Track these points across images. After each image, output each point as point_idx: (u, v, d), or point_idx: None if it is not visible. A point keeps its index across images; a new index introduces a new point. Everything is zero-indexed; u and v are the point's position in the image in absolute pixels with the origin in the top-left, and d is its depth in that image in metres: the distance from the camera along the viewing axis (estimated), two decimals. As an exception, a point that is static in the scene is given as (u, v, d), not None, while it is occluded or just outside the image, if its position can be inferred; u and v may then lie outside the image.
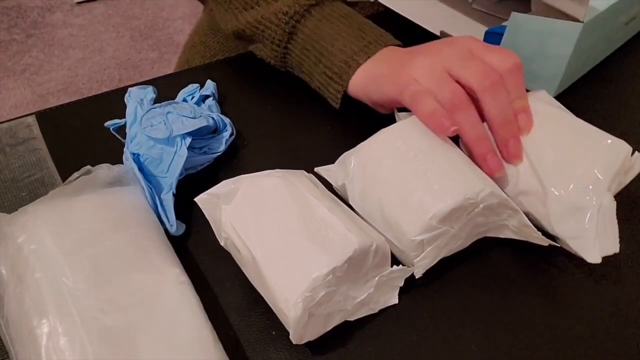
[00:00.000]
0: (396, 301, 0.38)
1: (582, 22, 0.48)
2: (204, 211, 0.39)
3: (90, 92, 1.68)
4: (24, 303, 0.33)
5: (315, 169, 0.44)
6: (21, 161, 0.48)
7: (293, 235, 0.35)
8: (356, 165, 0.41)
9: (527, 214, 0.40)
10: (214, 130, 0.48)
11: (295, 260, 0.34)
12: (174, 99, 0.49)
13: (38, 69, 1.77)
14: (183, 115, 0.44)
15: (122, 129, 0.47)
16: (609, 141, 0.40)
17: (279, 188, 0.38)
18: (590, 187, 0.38)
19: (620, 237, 0.38)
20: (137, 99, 0.46)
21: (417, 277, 0.38)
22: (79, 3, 2.01)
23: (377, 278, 0.37)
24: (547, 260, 0.41)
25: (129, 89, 0.48)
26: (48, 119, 0.52)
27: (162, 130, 0.43)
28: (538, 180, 0.39)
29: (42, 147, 0.49)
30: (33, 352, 0.31)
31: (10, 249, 0.35)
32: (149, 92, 0.47)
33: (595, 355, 0.37)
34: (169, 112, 0.44)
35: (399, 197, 0.38)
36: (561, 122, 0.42)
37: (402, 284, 0.38)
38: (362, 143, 0.43)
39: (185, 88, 0.51)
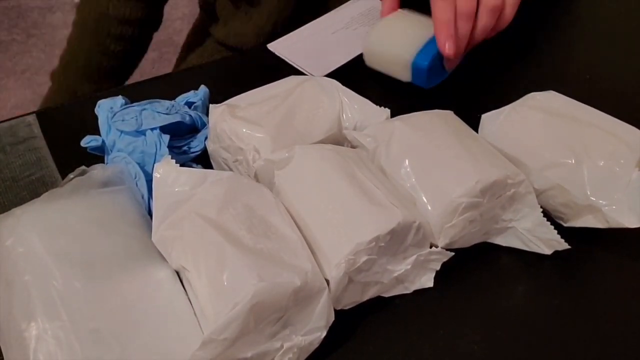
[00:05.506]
0: (431, 284, 0.39)
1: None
2: (258, 176, 0.41)
3: (91, 92, 1.68)
4: (12, 306, 0.32)
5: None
6: (22, 160, 0.48)
7: (340, 202, 0.37)
8: (398, 131, 0.42)
9: (550, 190, 0.42)
10: (195, 130, 0.48)
11: (340, 226, 0.36)
12: (173, 99, 0.49)
13: (39, 69, 1.77)
14: (157, 111, 0.45)
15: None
16: (629, 126, 0.43)
17: (329, 159, 0.40)
18: (622, 161, 0.40)
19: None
20: (107, 108, 0.46)
21: (440, 246, 0.39)
22: (79, 3, 2.01)
23: (415, 256, 0.38)
24: (549, 260, 0.42)
25: (98, 101, 0.47)
26: (48, 118, 0.52)
27: (131, 124, 0.43)
28: (571, 152, 0.41)
29: (42, 146, 0.49)
30: (22, 356, 0.31)
31: None
32: (118, 101, 0.47)
33: (598, 356, 0.37)
34: (143, 109, 0.45)
35: (441, 164, 0.40)
36: (586, 109, 0.45)
37: (438, 267, 0.39)
38: (404, 115, 0.44)
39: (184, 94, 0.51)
